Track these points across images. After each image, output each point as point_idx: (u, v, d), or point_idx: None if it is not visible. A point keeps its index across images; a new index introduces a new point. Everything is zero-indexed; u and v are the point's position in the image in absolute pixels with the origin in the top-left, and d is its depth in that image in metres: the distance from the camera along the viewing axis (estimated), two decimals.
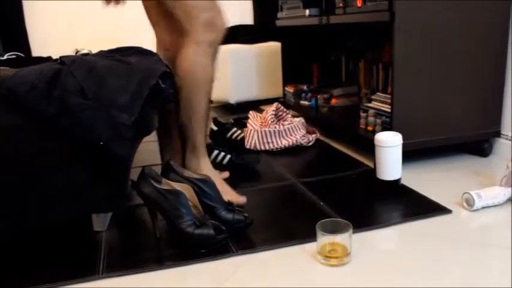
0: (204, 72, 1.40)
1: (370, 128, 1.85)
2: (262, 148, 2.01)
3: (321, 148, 2.03)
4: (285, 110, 2.22)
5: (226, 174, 1.67)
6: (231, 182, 1.57)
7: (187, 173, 1.29)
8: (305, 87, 2.62)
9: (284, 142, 2.02)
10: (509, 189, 1.34)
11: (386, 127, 1.71)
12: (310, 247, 1.14)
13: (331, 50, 2.66)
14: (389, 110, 1.67)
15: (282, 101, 2.67)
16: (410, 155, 1.63)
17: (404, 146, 1.45)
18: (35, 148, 1.10)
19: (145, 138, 1.23)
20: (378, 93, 1.97)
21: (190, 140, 1.45)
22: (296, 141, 2.02)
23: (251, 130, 2.02)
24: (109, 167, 1.19)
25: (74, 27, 3.23)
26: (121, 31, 3.14)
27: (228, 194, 1.39)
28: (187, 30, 1.38)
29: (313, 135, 2.10)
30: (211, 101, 1.48)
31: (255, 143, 2.01)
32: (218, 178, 1.46)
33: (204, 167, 1.47)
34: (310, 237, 1.16)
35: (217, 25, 1.39)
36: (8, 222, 1.21)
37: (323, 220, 1.12)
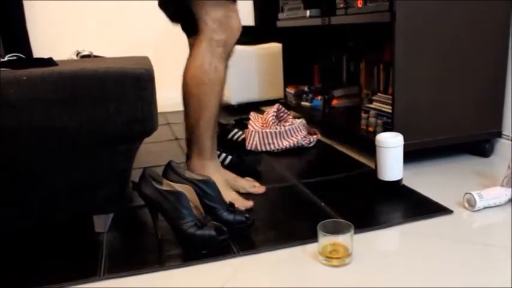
0: (213, 70, 1.36)
1: (371, 129, 1.85)
2: (263, 149, 2.01)
3: (322, 149, 2.03)
4: (286, 111, 2.23)
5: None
6: None
7: (188, 174, 1.29)
8: (306, 88, 2.62)
9: (285, 143, 2.02)
10: (511, 189, 1.34)
11: (388, 128, 1.71)
12: (311, 248, 1.14)
13: (332, 51, 2.66)
14: (390, 111, 1.67)
15: (283, 102, 2.67)
16: (411, 155, 1.62)
17: (405, 146, 1.45)
18: (35, 148, 1.11)
19: (146, 140, 1.23)
20: (379, 94, 1.97)
21: (197, 143, 1.42)
22: (297, 142, 2.02)
23: (252, 131, 2.02)
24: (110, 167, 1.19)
25: (75, 28, 3.23)
26: (122, 32, 3.15)
27: (234, 200, 1.36)
28: (201, 29, 1.35)
29: (314, 136, 2.09)
30: (220, 106, 1.42)
31: (256, 144, 2.01)
32: (223, 181, 1.43)
33: (211, 170, 1.43)
34: (312, 237, 1.16)
35: (229, 25, 1.36)
36: (8, 222, 1.21)
37: (324, 221, 1.12)
